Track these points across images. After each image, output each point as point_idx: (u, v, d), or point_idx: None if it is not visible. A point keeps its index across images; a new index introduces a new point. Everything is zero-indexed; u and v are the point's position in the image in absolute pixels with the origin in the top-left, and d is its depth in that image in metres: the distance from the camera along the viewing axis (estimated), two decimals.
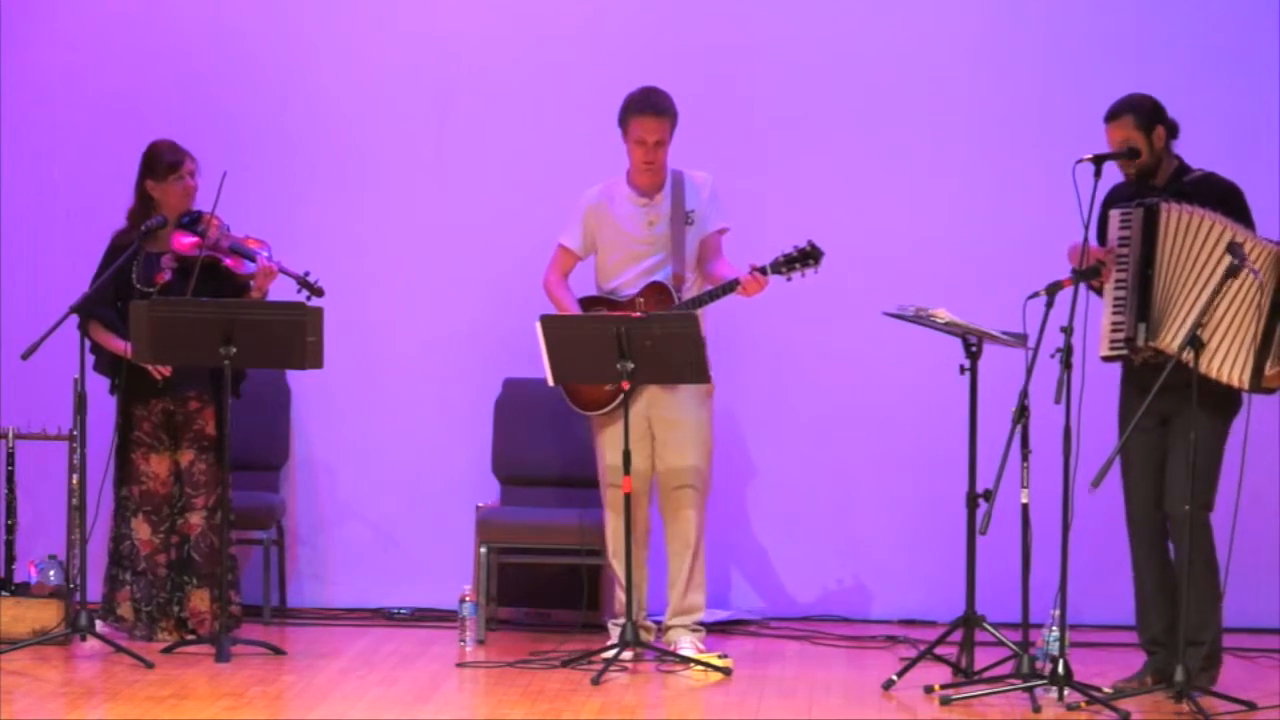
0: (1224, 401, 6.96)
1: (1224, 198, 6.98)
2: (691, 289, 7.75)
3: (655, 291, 7.73)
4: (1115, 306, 7.01)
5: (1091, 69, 8.50)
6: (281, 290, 7.91)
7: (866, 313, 7.92)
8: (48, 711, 6.78)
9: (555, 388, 7.74)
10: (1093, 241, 7.07)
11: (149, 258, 7.90)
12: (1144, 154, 7.03)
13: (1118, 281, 7.01)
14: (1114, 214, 7.07)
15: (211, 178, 7.83)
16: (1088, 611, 8.24)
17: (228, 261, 7.83)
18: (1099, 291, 7.08)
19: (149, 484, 7.92)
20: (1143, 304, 6.96)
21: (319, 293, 7.84)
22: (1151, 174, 7.06)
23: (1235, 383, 6.85)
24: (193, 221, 7.88)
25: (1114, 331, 7.01)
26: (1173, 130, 7.07)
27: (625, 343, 7.40)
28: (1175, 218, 6.91)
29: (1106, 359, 7.07)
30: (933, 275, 8.40)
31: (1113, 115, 7.09)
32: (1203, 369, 6.83)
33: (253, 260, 7.82)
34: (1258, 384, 6.86)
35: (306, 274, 7.85)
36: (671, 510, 7.78)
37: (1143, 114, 7.04)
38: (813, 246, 7.61)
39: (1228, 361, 6.85)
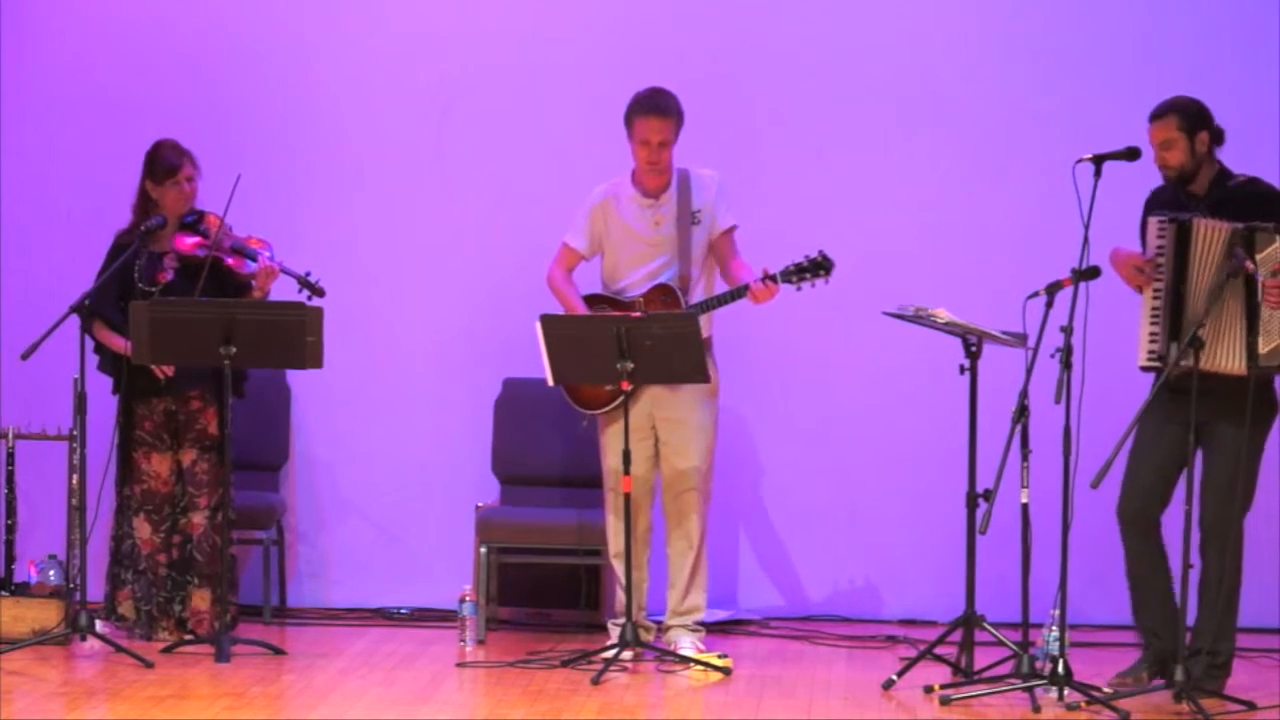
0: (1258, 407, 6.94)
1: (1266, 203, 6.96)
2: (700, 289, 7.75)
3: (661, 294, 7.73)
4: (1152, 317, 6.99)
5: (1092, 69, 8.50)
6: (283, 290, 7.91)
7: (867, 313, 7.92)
8: (48, 711, 6.79)
9: (555, 387, 7.74)
10: (1135, 246, 7.09)
11: (152, 257, 7.90)
12: (1185, 158, 7.01)
13: (1155, 290, 6.99)
14: (1152, 221, 7.04)
15: (213, 178, 7.84)
16: (1088, 611, 8.24)
17: (230, 261, 7.83)
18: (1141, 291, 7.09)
19: (150, 483, 7.92)
20: (1175, 322, 6.95)
21: (320, 293, 7.84)
22: (1190, 179, 7.04)
23: (1235, 370, 6.85)
24: (195, 221, 7.88)
25: (1151, 343, 7.00)
26: (1217, 137, 7.03)
27: (625, 343, 7.40)
28: (1205, 234, 6.89)
29: (1145, 369, 7.06)
30: (933, 275, 8.40)
31: (1157, 114, 7.05)
32: (1206, 366, 6.83)
33: (254, 260, 7.82)
34: (1255, 365, 6.85)
35: (308, 274, 7.85)
36: (676, 513, 7.78)
37: (1187, 116, 7.00)
38: (824, 257, 7.62)
39: (1225, 352, 6.86)
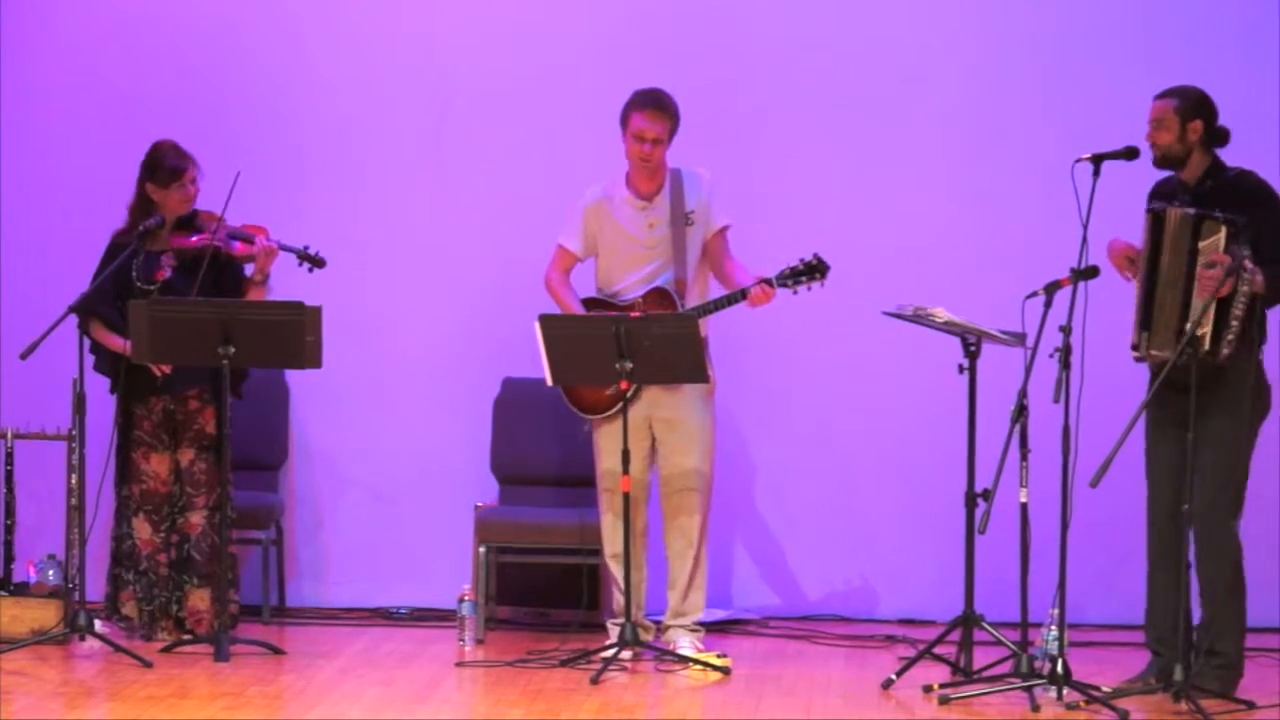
0: (1247, 403, 6.94)
1: (1252, 196, 6.96)
2: (696, 292, 7.74)
3: (658, 297, 7.73)
4: (1139, 308, 7.04)
5: (1092, 68, 8.51)
6: (283, 271, 7.88)
7: (866, 312, 7.92)
8: (47, 711, 6.79)
9: (554, 387, 7.74)
10: (1133, 240, 7.11)
11: (149, 255, 7.90)
12: (1173, 141, 7.01)
13: (1142, 282, 7.03)
14: (1148, 213, 7.09)
15: (212, 177, 7.84)
16: (1087, 611, 8.23)
17: (235, 247, 7.82)
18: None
19: (149, 483, 7.92)
20: (1148, 311, 6.97)
21: (320, 263, 7.85)
22: (1177, 165, 7.04)
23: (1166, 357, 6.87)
24: (191, 218, 7.89)
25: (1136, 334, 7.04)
26: (1216, 134, 7.02)
27: (624, 342, 7.40)
28: (1175, 223, 6.91)
29: (1137, 360, 7.08)
30: (932, 275, 8.40)
31: (1161, 94, 7.08)
32: (1152, 350, 6.87)
33: (251, 242, 7.81)
34: (1186, 354, 6.79)
35: (306, 247, 7.86)
36: (674, 512, 7.78)
37: (1185, 102, 7.01)
38: (819, 260, 7.62)
39: (1161, 340, 6.88)
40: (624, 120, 7.71)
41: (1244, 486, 7.00)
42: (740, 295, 7.63)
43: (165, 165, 7.85)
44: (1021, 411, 6.90)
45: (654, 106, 7.65)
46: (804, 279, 7.63)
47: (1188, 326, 6.81)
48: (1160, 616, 7.08)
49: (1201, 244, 6.84)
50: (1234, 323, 6.80)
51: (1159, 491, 7.09)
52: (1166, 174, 7.14)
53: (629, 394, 7.53)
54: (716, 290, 7.79)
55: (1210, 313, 6.78)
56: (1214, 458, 6.92)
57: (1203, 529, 6.96)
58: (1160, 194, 7.13)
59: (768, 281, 7.60)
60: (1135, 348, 7.03)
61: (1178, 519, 6.97)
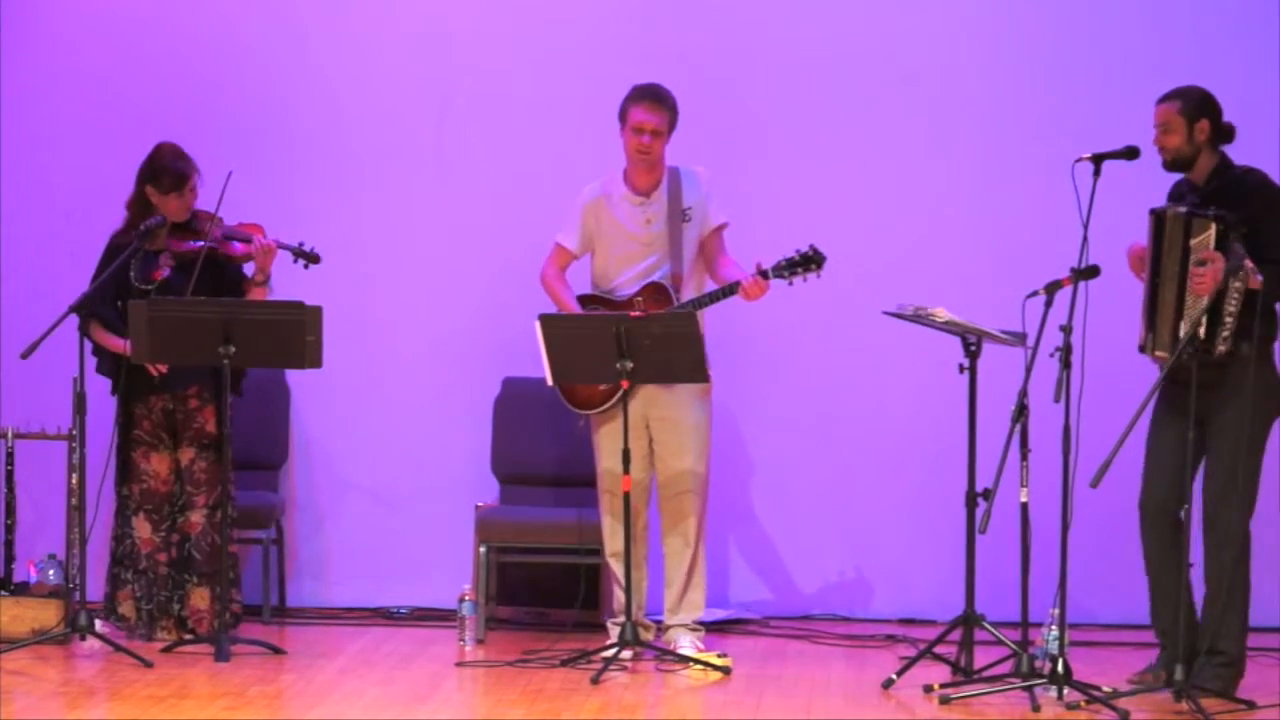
0: (1261, 399, 6.93)
1: (1253, 193, 6.95)
2: (691, 287, 7.75)
3: (654, 292, 7.74)
4: (1144, 308, 7.05)
5: (1093, 67, 8.51)
6: (283, 270, 7.88)
7: (866, 312, 7.92)
8: (47, 711, 6.79)
9: (554, 387, 7.75)
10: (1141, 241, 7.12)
11: (147, 255, 7.89)
12: (1181, 143, 7.01)
13: (1147, 283, 7.05)
14: None
15: (212, 177, 7.83)
16: (1088, 610, 8.24)
17: (235, 248, 7.82)
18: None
19: (149, 482, 7.92)
20: (1152, 311, 6.98)
21: (315, 259, 7.85)
22: (1187, 166, 7.05)
23: (1165, 356, 6.87)
24: (188, 220, 7.89)
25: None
26: (1222, 132, 7.02)
27: (624, 341, 7.40)
28: (1169, 223, 6.92)
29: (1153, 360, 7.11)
30: (932, 274, 8.40)
31: (1163, 97, 7.08)
32: (1155, 351, 6.89)
33: (249, 241, 7.82)
34: (1185, 353, 6.80)
35: (301, 244, 7.86)
36: (672, 516, 7.78)
37: (1189, 102, 7.01)
38: (815, 251, 7.62)
39: (1161, 339, 6.89)
40: (622, 114, 7.72)
41: (1255, 483, 6.99)
42: (734, 288, 7.63)
43: (169, 172, 7.81)
44: (1022, 411, 6.90)
45: (652, 98, 7.67)
46: (800, 270, 7.63)
47: (1182, 324, 6.82)
48: (1163, 607, 7.09)
49: (1192, 242, 6.85)
50: (1228, 319, 6.80)
51: (1154, 481, 7.08)
52: (1162, 175, 7.16)
53: (625, 390, 7.53)
54: (711, 287, 7.79)
55: (1203, 310, 6.79)
56: (1221, 454, 6.92)
57: (1209, 524, 6.96)
58: (1173, 196, 7.14)
59: (763, 273, 7.60)
60: (1142, 349, 7.05)
61: (1170, 510, 6.98)
